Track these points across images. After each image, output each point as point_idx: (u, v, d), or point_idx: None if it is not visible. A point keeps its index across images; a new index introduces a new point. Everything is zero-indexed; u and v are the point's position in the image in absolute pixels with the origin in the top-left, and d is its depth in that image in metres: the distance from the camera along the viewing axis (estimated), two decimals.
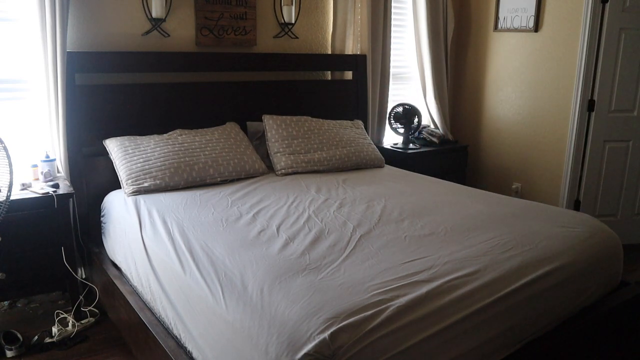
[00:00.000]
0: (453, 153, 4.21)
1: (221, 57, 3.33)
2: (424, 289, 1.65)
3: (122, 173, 2.76)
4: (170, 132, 3.03)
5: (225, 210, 2.46)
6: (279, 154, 3.20)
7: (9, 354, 2.40)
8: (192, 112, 3.24)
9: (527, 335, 1.82)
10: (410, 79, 4.45)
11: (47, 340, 2.49)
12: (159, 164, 2.78)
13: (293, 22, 3.61)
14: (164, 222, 2.32)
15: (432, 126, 4.40)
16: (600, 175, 3.81)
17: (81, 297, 2.72)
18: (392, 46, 4.03)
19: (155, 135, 2.97)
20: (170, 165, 2.80)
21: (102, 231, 2.83)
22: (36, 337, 2.50)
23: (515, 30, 4.02)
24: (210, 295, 1.75)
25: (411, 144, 4.10)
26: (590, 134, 3.74)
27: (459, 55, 4.51)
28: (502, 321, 1.73)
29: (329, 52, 3.89)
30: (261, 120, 3.37)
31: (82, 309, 2.69)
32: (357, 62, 3.84)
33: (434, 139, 4.17)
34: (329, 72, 3.90)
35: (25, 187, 2.59)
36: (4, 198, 2.25)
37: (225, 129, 3.18)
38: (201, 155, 2.91)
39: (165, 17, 3.12)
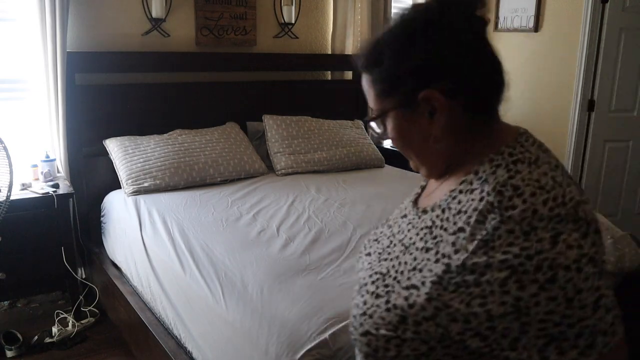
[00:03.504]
0: None
1: (221, 57, 3.33)
2: None
3: (122, 173, 2.75)
4: (170, 132, 3.03)
5: (225, 210, 2.46)
6: (279, 154, 3.20)
7: (9, 354, 2.39)
8: (192, 112, 3.24)
9: None
10: None
11: (47, 340, 2.49)
12: (159, 164, 2.78)
13: (293, 22, 3.61)
14: (164, 222, 2.32)
15: None
16: (600, 175, 3.81)
17: (81, 297, 2.71)
18: None
19: (155, 135, 2.97)
20: (170, 165, 2.79)
21: (102, 231, 2.83)
22: (36, 337, 2.50)
23: (515, 30, 4.01)
24: (211, 295, 1.75)
25: None
26: (590, 133, 3.73)
27: None
28: None
29: (329, 52, 3.88)
30: (261, 120, 3.37)
31: (82, 309, 2.69)
32: None
33: None
34: (329, 72, 3.90)
35: (25, 187, 2.59)
36: (4, 198, 2.25)
37: (225, 129, 3.18)
38: (201, 155, 2.91)
39: (165, 17, 3.12)
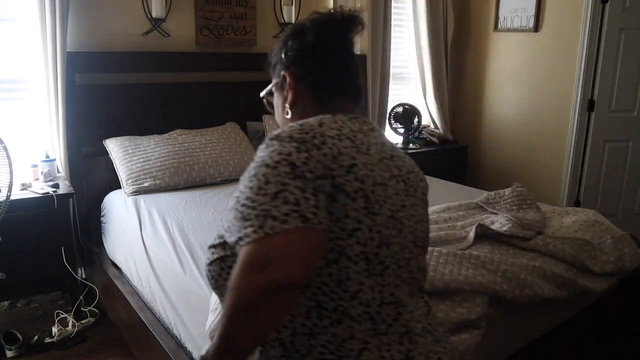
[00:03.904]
0: (453, 153, 4.21)
1: (221, 57, 3.33)
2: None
3: (122, 173, 2.75)
4: (170, 132, 3.03)
5: (226, 210, 2.46)
6: None
7: (9, 354, 2.39)
8: (192, 112, 3.24)
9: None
10: (410, 79, 4.45)
11: (47, 340, 2.49)
12: (159, 164, 2.78)
13: (293, 22, 3.61)
14: (164, 222, 2.32)
15: (432, 126, 4.40)
16: (600, 175, 3.81)
17: (81, 297, 2.72)
18: (392, 46, 4.03)
19: (155, 135, 2.97)
20: (170, 165, 2.79)
21: (102, 231, 2.83)
22: (36, 337, 2.50)
23: (515, 30, 4.01)
24: (211, 295, 1.75)
25: (411, 144, 4.10)
26: (590, 133, 3.74)
27: (459, 55, 4.51)
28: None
29: None
30: (261, 120, 3.37)
31: (82, 309, 2.69)
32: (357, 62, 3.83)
33: (434, 139, 4.17)
34: None
35: (25, 187, 2.59)
36: (4, 198, 2.25)
37: (225, 129, 3.18)
38: (201, 155, 2.91)
39: (165, 17, 3.12)
